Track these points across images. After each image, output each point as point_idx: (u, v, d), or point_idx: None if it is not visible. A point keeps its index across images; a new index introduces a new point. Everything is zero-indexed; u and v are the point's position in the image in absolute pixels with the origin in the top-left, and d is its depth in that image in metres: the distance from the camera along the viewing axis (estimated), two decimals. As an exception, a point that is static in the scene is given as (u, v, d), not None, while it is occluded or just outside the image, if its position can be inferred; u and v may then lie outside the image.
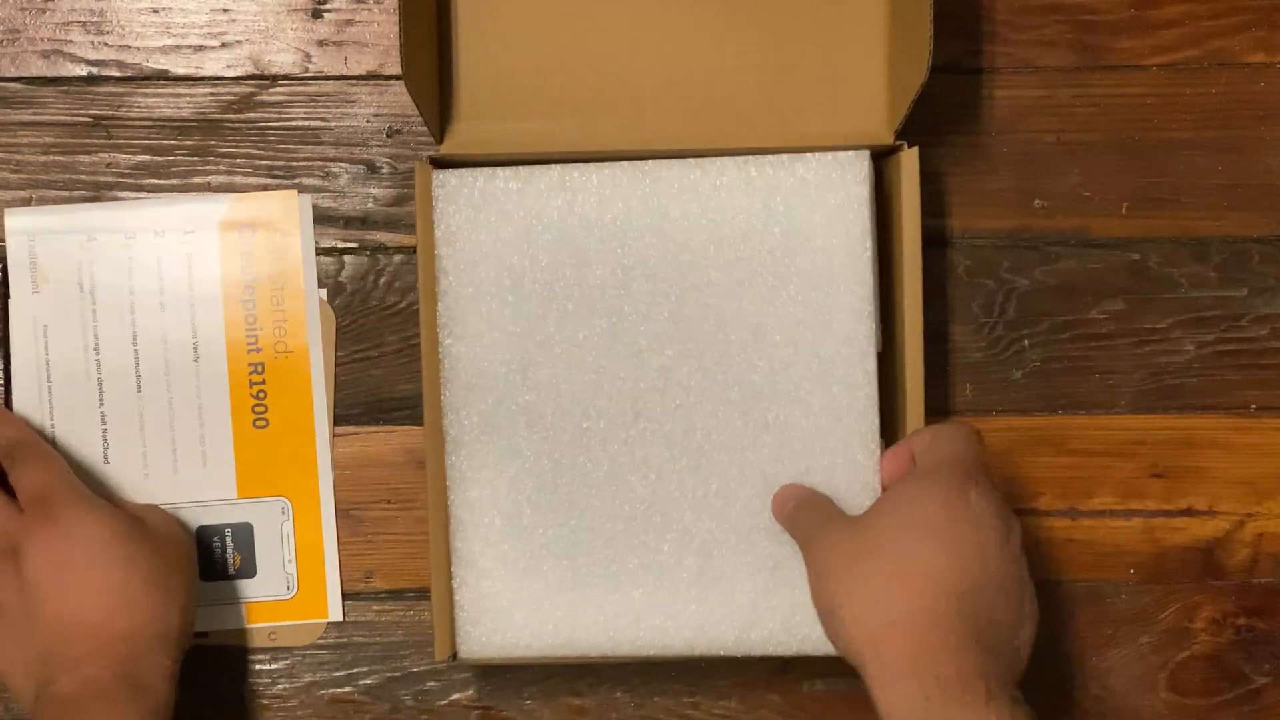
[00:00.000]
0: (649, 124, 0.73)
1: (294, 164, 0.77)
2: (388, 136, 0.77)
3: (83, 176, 0.77)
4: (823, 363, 0.72)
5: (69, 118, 0.77)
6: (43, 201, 0.77)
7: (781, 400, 0.72)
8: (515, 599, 0.72)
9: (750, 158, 0.72)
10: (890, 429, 0.73)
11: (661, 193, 0.72)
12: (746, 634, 0.72)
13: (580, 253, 0.72)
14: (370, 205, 0.77)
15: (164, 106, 0.77)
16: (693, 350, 0.72)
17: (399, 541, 0.77)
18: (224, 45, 0.77)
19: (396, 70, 0.77)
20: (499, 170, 0.72)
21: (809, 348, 0.72)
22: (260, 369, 0.77)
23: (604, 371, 0.72)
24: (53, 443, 0.76)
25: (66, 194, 0.77)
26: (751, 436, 0.72)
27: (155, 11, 0.77)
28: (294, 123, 0.77)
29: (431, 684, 0.78)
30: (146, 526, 0.71)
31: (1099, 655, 0.78)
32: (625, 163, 0.72)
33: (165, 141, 0.77)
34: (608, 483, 0.72)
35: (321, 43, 0.77)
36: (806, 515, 0.68)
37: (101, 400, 0.76)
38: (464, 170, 0.72)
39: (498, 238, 0.72)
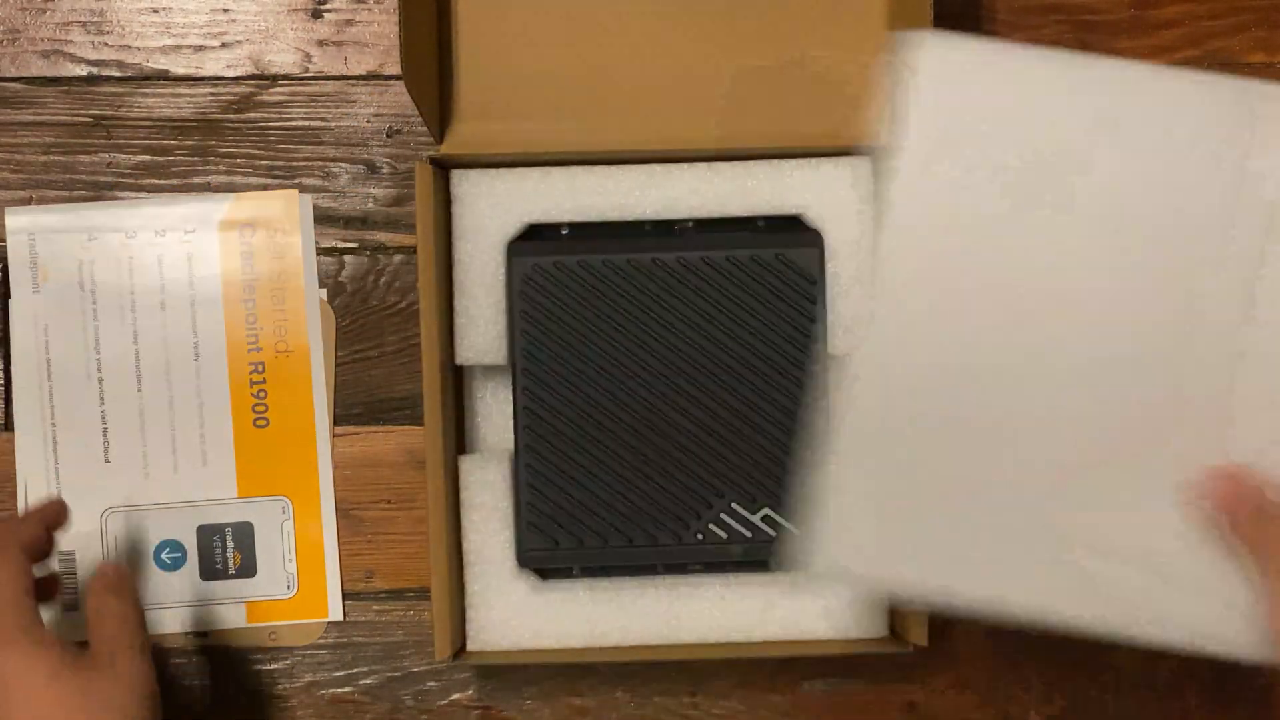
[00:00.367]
0: (649, 125, 0.73)
1: (294, 164, 0.77)
2: (388, 136, 0.77)
3: (83, 176, 0.77)
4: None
5: (69, 118, 0.77)
6: (43, 201, 0.77)
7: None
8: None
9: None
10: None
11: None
12: None
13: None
14: (370, 205, 0.77)
15: (164, 106, 0.77)
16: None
17: (399, 541, 0.77)
18: (224, 45, 0.77)
19: (396, 70, 0.77)
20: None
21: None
22: (260, 368, 0.77)
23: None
24: (53, 442, 0.76)
25: (67, 194, 0.77)
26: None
27: (155, 11, 0.77)
28: (294, 123, 0.77)
29: (431, 684, 0.78)
30: (94, 673, 0.65)
31: (1099, 655, 0.78)
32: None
33: (165, 141, 0.77)
34: None
35: (321, 43, 0.77)
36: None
37: (101, 400, 0.76)
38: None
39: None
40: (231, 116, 0.77)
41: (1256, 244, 0.59)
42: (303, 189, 0.77)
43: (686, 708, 0.78)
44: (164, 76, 0.77)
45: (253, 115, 0.77)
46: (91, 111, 0.77)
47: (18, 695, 0.63)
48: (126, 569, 0.72)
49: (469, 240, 0.73)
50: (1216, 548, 0.59)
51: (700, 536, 0.73)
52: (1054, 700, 0.78)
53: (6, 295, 0.76)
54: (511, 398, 0.73)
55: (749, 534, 0.73)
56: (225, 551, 0.77)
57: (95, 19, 0.77)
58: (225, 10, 0.77)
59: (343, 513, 0.77)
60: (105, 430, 0.76)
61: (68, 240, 0.76)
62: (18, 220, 0.77)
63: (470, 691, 0.78)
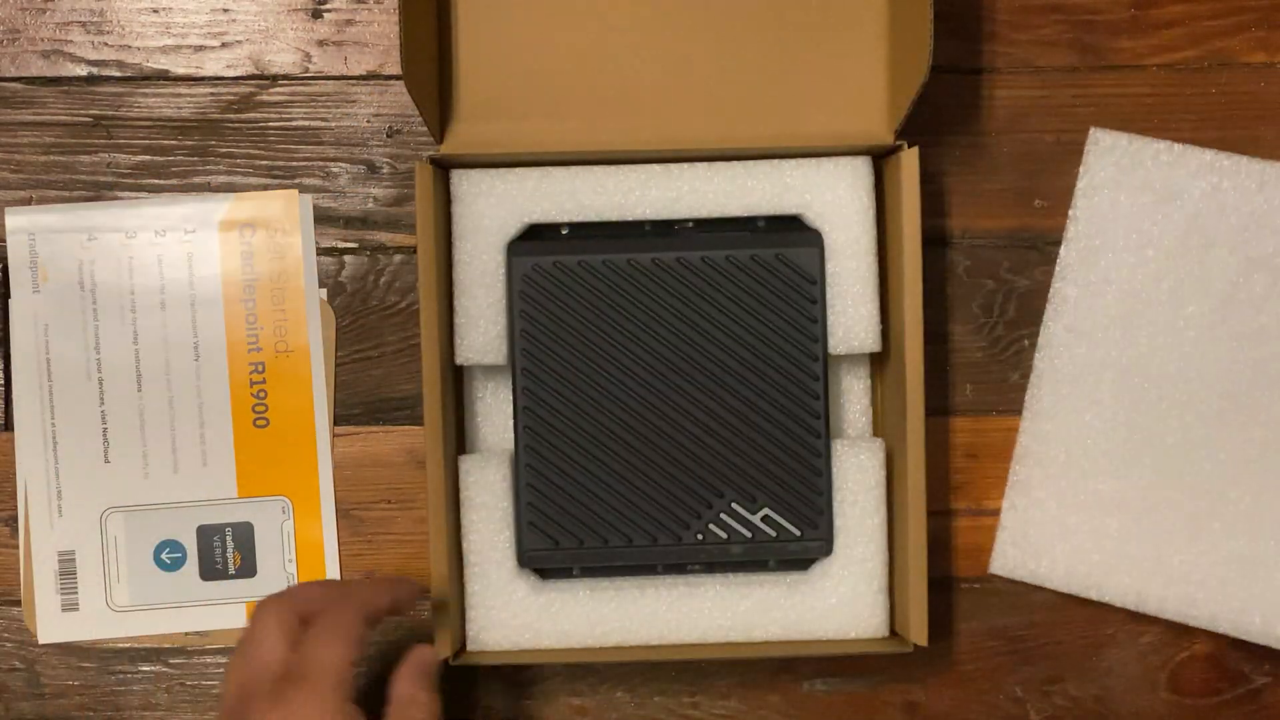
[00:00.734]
0: (649, 124, 0.74)
1: (294, 164, 0.77)
2: (388, 136, 0.77)
3: (83, 176, 0.77)
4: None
5: (69, 118, 0.77)
6: (43, 201, 0.77)
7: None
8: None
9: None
10: (890, 428, 0.73)
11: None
12: None
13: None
14: (370, 205, 0.77)
15: (164, 106, 0.77)
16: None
17: (399, 541, 0.77)
18: (224, 45, 0.77)
19: (396, 70, 0.77)
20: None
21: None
22: (260, 368, 0.77)
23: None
24: (53, 442, 0.76)
25: (67, 194, 0.77)
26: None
27: (155, 11, 0.77)
28: (294, 123, 0.77)
29: (431, 684, 0.78)
30: None
31: (1099, 655, 0.78)
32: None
33: (165, 141, 0.77)
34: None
35: (321, 43, 0.77)
36: None
37: (101, 400, 0.76)
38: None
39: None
40: (231, 116, 0.77)
41: None
42: (303, 189, 0.77)
43: (686, 708, 0.78)
44: (164, 76, 0.77)
45: (253, 115, 0.77)
46: (91, 111, 0.77)
47: None
48: (437, 657, 0.69)
49: (469, 240, 0.73)
50: None
51: (700, 536, 0.73)
52: (1053, 700, 0.78)
53: (6, 295, 0.76)
54: (511, 398, 0.73)
55: (749, 534, 0.73)
56: (225, 551, 0.77)
57: (95, 19, 0.77)
58: (225, 10, 0.77)
59: (343, 513, 0.77)
60: (105, 430, 0.76)
61: (68, 240, 0.76)
62: (18, 220, 0.77)
63: (470, 691, 0.78)
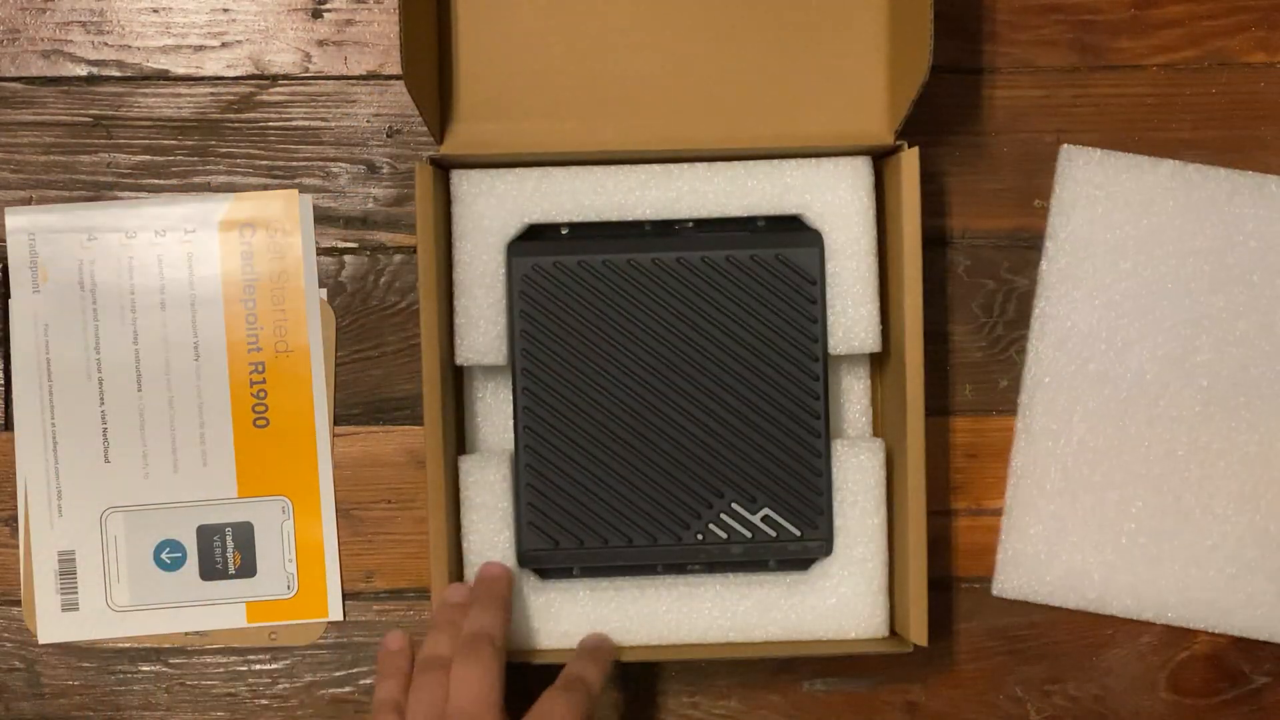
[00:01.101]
0: (649, 124, 0.73)
1: (294, 164, 0.77)
2: (388, 136, 0.77)
3: (83, 176, 0.77)
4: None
5: (69, 118, 0.77)
6: (43, 201, 0.77)
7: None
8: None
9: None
10: (890, 428, 0.73)
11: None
12: None
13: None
14: (370, 205, 0.77)
15: (164, 106, 0.77)
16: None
17: (399, 541, 0.77)
18: (224, 45, 0.77)
19: (396, 70, 0.77)
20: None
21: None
22: (260, 368, 0.77)
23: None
24: (53, 442, 0.76)
25: (66, 194, 0.77)
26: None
27: (155, 11, 0.77)
28: (294, 123, 0.77)
29: (431, 684, 0.78)
30: None
31: (1099, 655, 0.78)
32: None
33: (165, 141, 0.77)
34: None
35: (321, 43, 0.77)
36: None
37: (101, 400, 0.76)
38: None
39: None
40: (231, 116, 0.77)
41: None
42: (303, 189, 0.77)
43: (686, 708, 0.78)
44: (164, 76, 0.77)
45: (253, 115, 0.77)
46: (91, 111, 0.77)
47: None
48: (613, 644, 0.72)
49: (469, 240, 0.73)
50: None
51: (700, 537, 0.73)
52: (1053, 700, 0.78)
53: (6, 295, 0.76)
54: (512, 398, 0.73)
55: (749, 534, 0.73)
56: (225, 551, 0.77)
57: (95, 19, 0.77)
58: (225, 10, 0.77)
59: (343, 513, 0.77)
60: (105, 430, 0.76)
61: (68, 240, 0.76)
62: (18, 220, 0.77)
63: (470, 691, 0.78)
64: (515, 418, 0.73)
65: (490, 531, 0.73)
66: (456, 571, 0.73)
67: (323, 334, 0.77)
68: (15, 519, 0.77)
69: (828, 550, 0.73)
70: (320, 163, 0.77)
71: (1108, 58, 0.77)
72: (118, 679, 0.77)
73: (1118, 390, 0.76)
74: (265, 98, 0.77)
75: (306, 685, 0.78)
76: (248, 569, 0.77)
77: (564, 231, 0.74)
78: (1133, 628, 0.77)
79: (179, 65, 0.77)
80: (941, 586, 0.77)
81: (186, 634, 0.77)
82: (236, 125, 0.77)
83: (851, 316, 0.73)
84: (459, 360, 0.73)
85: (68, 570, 0.76)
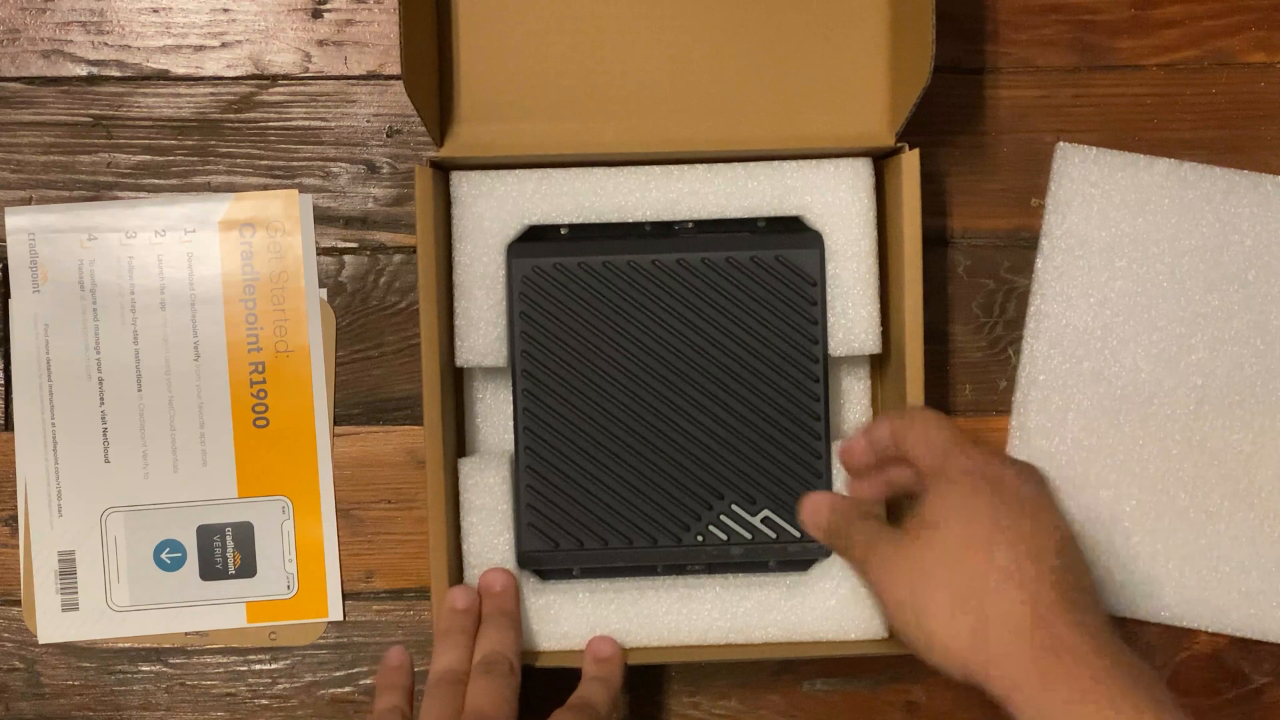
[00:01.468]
0: (650, 126, 0.73)
1: (294, 164, 0.77)
2: (388, 136, 0.77)
3: (83, 176, 0.77)
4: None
5: (69, 117, 0.77)
6: (43, 201, 0.77)
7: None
8: None
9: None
10: (890, 429, 0.74)
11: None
12: None
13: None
14: (370, 205, 0.77)
15: (164, 106, 0.77)
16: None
17: (399, 541, 0.77)
18: (224, 45, 0.77)
19: (396, 70, 0.77)
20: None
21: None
22: (260, 368, 0.77)
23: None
24: (53, 442, 0.76)
25: (66, 194, 0.77)
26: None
27: (155, 11, 0.77)
28: (294, 123, 0.77)
29: (432, 684, 0.78)
30: None
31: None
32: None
33: (165, 141, 0.77)
34: None
35: (321, 43, 0.77)
36: (859, 529, 0.67)
37: (101, 400, 0.76)
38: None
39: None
40: (231, 116, 0.77)
41: None
42: (303, 189, 0.77)
43: (686, 708, 0.78)
44: (164, 76, 0.77)
45: (253, 115, 0.77)
46: (91, 111, 0.77)
47: None
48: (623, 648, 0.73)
49: (469, 242, 0.73)
50: None
51: (700, 538, 0.73)
52: (1054, 700, 0.78)
53: (6, 295, 0.76)
54: (511, 399, 0.73)
55: (749, 535, 0.73)
56: (225, 551, 0.77)
57: (95, 19, 0.77)
58: (225, 10, 0.77)
59: (343, 513, 0.77)
60: (105, 430, 0.76)
61: (68, 240, 0.76)
62: (18, 220, 0.77)
63: (470, 691, 0.78)
64: (515, 419, 0.73)
65: (490, 533, 0.73)
66: (456, 574, 0.73)
67: (323, 334, 0.77)
68: (15, 519, 0.77)
69: (827, 551, 0.73)
70: (320, 163, 0.77)
71: (1108, 58, 0.77)
72: (118, 679, 0.77)
73: (1112, 388, 0.76)
74: (265, 98, 0.77)
75: (306, 685, 0.78)
76: (248, 569, 0.77)
77: (564, 233, 0.73)
78: (1132, 627, 0.77)
79: (179, 65, 0.77)
80: (941, 586, 0.77)
81: (186, 634, 0.77)
82: (236, 125, 0.77)
83: (852, 318, 0.73)
84: (459, 362, 0.73)
85: (68, 570, 0.76)
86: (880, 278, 0.74)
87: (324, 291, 0.77)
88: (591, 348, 0.73)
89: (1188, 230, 0.76)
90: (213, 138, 0.77)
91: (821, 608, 0.73)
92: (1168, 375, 0.76)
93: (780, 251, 0.72)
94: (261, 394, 0.77)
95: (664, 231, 0.74)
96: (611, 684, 0.70)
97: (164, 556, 0.77)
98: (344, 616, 0.77)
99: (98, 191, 0.77)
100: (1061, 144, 0.76)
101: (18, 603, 0.77)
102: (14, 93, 0.77)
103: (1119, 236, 0.76)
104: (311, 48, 0.77)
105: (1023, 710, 0.58)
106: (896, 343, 0.72)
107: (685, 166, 0.73)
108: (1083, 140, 0.77)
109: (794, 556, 0.73)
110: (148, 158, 0.77)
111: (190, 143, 0.77)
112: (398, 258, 0.77)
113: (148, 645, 0.77)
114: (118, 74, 0.77)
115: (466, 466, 0.73)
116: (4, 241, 0.76)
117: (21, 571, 0.77)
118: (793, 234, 0.73)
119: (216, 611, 0.77)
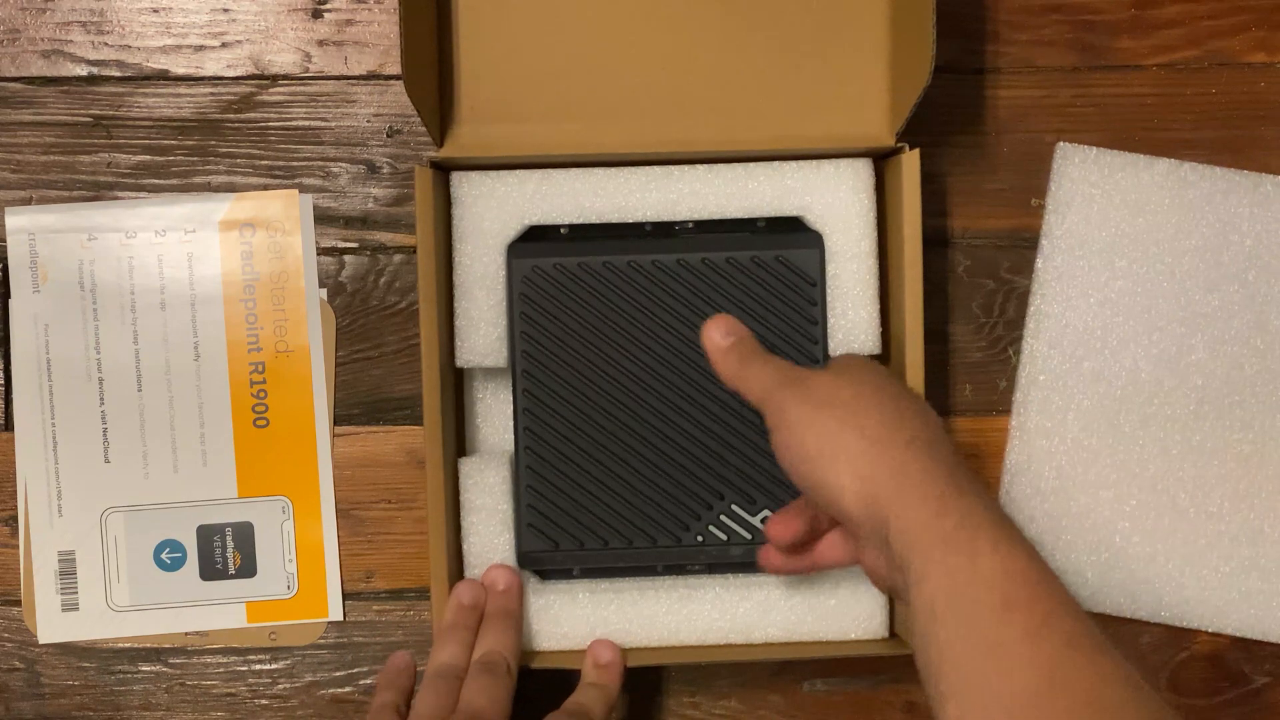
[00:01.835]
0: (650, 127, 0.73)
1: (294, 164, 0.77)
2: (388, 136, 0.77)
3: (83, 176, 0.77)
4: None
5: (69, 117, 0.77)
6: (43, 201, 0.77)
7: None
8: None
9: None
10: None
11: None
12: None
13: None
14: (370, 205, 0.77)
15: (164, 106, 0.77)
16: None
17: (399, 541, 0.77)
18: (224, 45, 0.77)
19: (396, 70, 0.77)
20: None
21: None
22: (260, 368, 0.77)
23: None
24: (53, 442, 0.76)
25: (66, 194, 0.77)
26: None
27: (155, 11, 0.77)
28: (294, 123, 0.77)
29: (432, 684, 0.78)
30: None
31: (1098, 655, 0.78)
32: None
33: (165, 141, 0.77)
34: None
35: (321, 43, 0.77)
36: (766, 370, 0.67)
37: (102, 400, 0.76)
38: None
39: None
40: (231, 116, 0.77)
41: None
42: (303, 189, 0.77)
43: (686, 708, 0.78)
44: (164, 76, 0.77)
45: (253, 115, 0.77)
46: (91, 111, 0.77)
47: None
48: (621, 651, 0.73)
49: (469, 243, 0.73)
50: None
51: (700, 539, 0.73)
52: (1053, 700, 0.78)
53: (6, 295, 0.76)
54: (512, 399, 0.73)
55: (749, 535, 0.72)
56: (225, 551, 0.77)
57: (95, 19, 0.77)
58: (225, 10, 0.77)
59: (343, 513, 0.77)
60: (105, 430, 0.76)
61: (68, 240, 0.76)
62: (18, 220, 0.77)
63: (470, 691, 0.78)
64: (515, 419, 0.73)
65: (490, 534, 0.73)
66: (456, 575, 0.73)
67: (323, 334, 0.77)
68: (15, 519, 0.77)
69: (827, 551, 0.73)
70: (320, 163, 0.77)
71: (1108, 58, 0.77)
72: (118, 679, 0.77)
73: (1112, 388, 0.76)
74: (265, 98, 0.77)
75: (306, 685, 0.78)
76: (248, 569, 0.77)
77: (564, 233, 0.73)
78: (1132, 628, 0.77)
79: (179, 65, 0.77)
80: (941, 586, 0.77)
81: (186, 634, 0.77)
82: (236, 125, 0.77)
83: (852, 319, 0.73)
84: (459, 363, 0.73)
85: (68, 570, 0.76)
86: (880, 278, 0.73)
87: (324, 291, 0.77)
88: (591, 348, 0.73)
89: (1188, 230, 0.76)
90: (213, 138, 0.77)
91: (821, 608, 0.73)
92: (1168, 375, 0.76)
93: (780, 252, 0.72)
94: (261, 394, 0.77)
95: (664, 232, 0.74)
96: (609, 691, 0.70)
97: (164, 556, 0.77)
98: (344, 616, 0.77)
99: (98, 191, 0.77)
100: (1061, 144, 0.76)
101: (18, 603, 0.77)
102: (14, 93, 0.77)
103: (1119, 236, 0.76)
104: (311, 48, 0.77)
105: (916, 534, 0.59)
106: (897, 343, 0.72)
107: (685, 167, 0.73)
108: (1083, 140, 0.77)
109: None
110: (148, 158, 0.77)
111: (190, 143, 0.77)
112: (398, 258, 0.77)
113: (148, 645, 0.77)
114: (118, 74, 0.77)
115: (466, 466, 0.73)
116: (4, 241, 0.76)
117: (21, 571, 0.77)
118: (792, 234, 0.73)
119: (216, 611, 0.77)
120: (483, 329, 0.73)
